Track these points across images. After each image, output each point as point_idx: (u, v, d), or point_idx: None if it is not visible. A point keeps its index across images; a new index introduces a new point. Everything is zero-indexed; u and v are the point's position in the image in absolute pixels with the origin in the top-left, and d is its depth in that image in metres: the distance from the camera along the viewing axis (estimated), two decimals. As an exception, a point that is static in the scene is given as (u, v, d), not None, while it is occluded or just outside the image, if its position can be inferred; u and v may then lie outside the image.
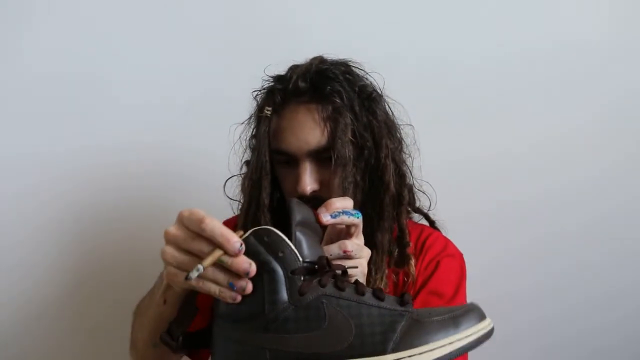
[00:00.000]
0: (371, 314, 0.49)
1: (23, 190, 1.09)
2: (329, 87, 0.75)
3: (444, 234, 0.88)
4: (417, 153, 0.85)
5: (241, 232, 0.51)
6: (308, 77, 0.76)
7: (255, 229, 0.51)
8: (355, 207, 0.61)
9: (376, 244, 0.75)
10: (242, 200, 0.82)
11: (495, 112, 1.18)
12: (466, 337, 0.47)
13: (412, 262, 0.78)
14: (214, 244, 0.49)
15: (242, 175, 0.83)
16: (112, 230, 1.12)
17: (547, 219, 1.21)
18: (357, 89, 0.77)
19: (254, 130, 0.81)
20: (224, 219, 0.88)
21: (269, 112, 0.75)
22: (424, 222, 0.89)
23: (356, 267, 0.58)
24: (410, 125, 0.84)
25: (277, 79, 0.79)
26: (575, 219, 1.21)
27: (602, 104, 1.20)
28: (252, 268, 0.48)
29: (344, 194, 0.72)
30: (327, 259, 0.52)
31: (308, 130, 0.74)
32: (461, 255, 0.86)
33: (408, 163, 0.83)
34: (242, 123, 0.83)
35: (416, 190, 0.85)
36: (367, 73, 0.81)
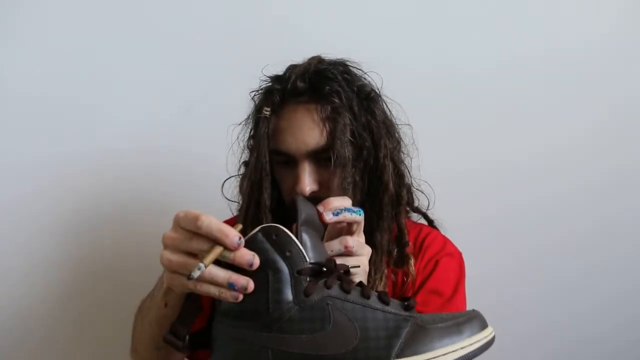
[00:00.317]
0: (376, 318, 0.49)
1: (22, 191, 1.09)
2: (327, 87, 0.75)
3: (442, 232, 0.88)
4: (416, 153, 0.85)
5: (240, 226, 0.50)
6: (307, 77, 0.76)
7: (264, 226, 0.50)
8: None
9: (375, 243, 0.75)
10: (240, 201, 0.81)
11: (495, 113, 1.18)
12: (469, 345, 0.48)
13: (412, 261, 0.78)
14: (213, 241, 0.48)
15: (240, 176, 0.83)
16: (110, 230, 1.12)
17: (552, 222, 1.21)
18: (355, 88, 0.77)
19: (252, 131, 0.81)
20: (223, 220, 0.88)
21: (267, 113, 0.75)
22: (423, 221, 0.89)
23: (358, 267, 0.58)
24: (408, 125, 0.84)
25: (276, 79, 0.79)
26: (581, 223, 1.21)
27: (604, 108, 1.20)
28: (256, 260, 0.48)
29: (343, 194, 0.72)
30: (334, 261, 0.52)
31: (307, 131, 0.73)
32: (460, 254, 0.86)
33: (406, 163, 0.83)
34: (240, 124, 0.83)
35: (414, 189, 0.85)
36: (364, 73, 0.81)
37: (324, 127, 0.73)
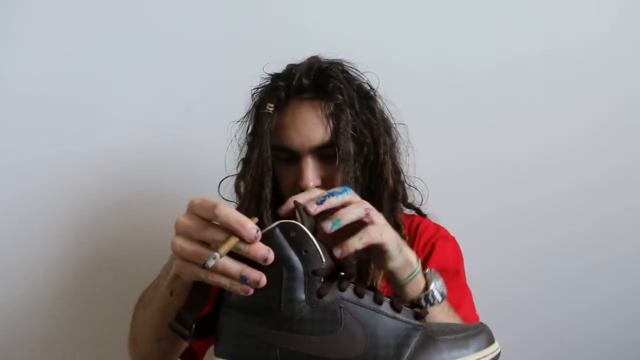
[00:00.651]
0: (387, 325, 0.48)
1: (22, 191, 1.08)
2: (331, 85, 0.75)
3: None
4: (411, 150, 0.85)
5: (256, 219, 0.49)
6: (311, 74, 0.76)
7: (282, 222, 0.49)
8: None
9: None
10: (238, 199, 0.82)
11: (495, 113, 1.18)
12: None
13: None
14: (228, 231, 0.47)
15: (238, 174, 0.83)
16: (110, 230, 1.11)
17: (552, 222, 1.20)
18: (355, 87, 0.78)
19: (251, 128, 0.81)
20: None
21: (271, 109, 0.75)
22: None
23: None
24: (403, 124, 0.85)
25: (279, 76, 0.79)
26: (581, 223, 1.21)
27: (604, 108, 1.20)
28: (271, 255, 0.47)
29: None
30: (354, 265, 0.51)
31: (312, 127, 0.74)
32: (454, 238, 0.88)
33: (401, 160, 0.84)
34: (239, 122, 0.83)
35: (408, 186, 0.86)
36: (361, 73, 0.82)
37: (328, 123, 0.74)
